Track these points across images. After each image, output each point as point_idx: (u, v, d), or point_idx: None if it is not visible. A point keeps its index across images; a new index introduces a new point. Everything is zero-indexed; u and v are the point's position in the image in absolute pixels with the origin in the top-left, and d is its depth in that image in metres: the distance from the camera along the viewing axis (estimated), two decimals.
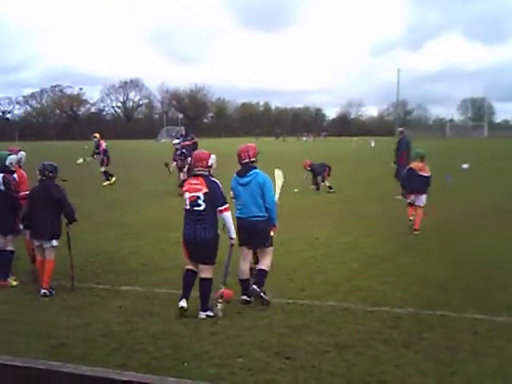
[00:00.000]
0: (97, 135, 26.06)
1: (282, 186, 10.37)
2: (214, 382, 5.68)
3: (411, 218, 14.13)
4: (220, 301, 7.85)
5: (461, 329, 7.23)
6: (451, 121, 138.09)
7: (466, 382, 5.76)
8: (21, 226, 9.57)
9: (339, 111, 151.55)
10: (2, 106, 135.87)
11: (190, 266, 8.12)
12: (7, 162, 9.85)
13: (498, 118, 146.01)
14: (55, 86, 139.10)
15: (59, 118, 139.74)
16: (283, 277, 8.84)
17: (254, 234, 8.47)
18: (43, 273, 9.10)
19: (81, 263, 10.02)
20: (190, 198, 7.92)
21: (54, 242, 9.15)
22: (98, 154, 25.63)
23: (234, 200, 8.66)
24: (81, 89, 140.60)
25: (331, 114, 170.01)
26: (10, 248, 9.68)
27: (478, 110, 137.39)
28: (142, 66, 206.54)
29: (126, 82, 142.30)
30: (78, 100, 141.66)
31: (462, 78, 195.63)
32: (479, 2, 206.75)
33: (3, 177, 9.67)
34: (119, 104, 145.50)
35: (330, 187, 22.08)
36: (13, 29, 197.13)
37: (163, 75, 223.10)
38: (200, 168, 8.09)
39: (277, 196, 9.50)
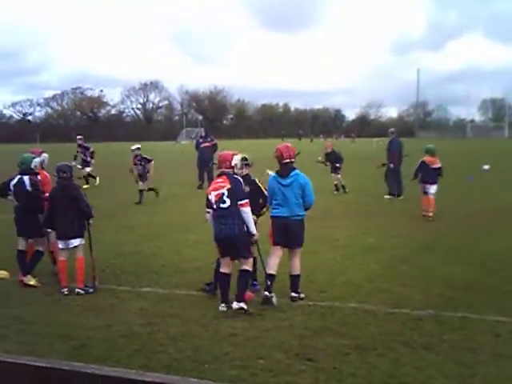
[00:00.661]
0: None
1: None
2: None
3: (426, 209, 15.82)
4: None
5: (482, 331, 7.18)
6: (472, 121, 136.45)
7: None
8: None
9: (358, 112, 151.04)
10: (23, 108, 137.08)
11: (223, 269, 8.26)
12: (32, 165, 9.99)
13: None
14: (76, 88, 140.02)
15: (80, 120, 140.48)
16: (303, 278, 8.82)
17: (291, 234, 8.58)
18: (65, 273, 9.19)
19: (102, 265, 10.07)
20: (215, 196, 8.11)
21: (79, 240, 9.27)
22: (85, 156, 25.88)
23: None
24: (101, 91, 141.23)
25: (350, 114, 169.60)
26: (39, 248, 9.79)
27: (499, 110, 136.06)
28: (161, 67, 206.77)
29: (145, 84, 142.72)
30: (99, 102, 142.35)
31: (482, 79, 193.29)
32: (500, 1, 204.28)
33: (29, 178, 9.78)
34: (139, 106, 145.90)
35: (343, 187, 22.15)
36: (33, 31, 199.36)
37: (182, 77, 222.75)
38: (224, 168, 8.34)
39: None
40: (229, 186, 8.05)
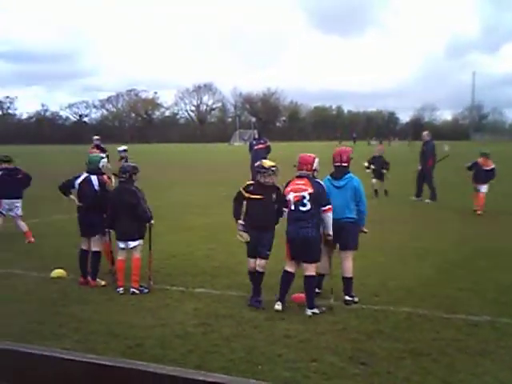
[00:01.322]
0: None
1: None
2: None
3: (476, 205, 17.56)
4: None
5: None
6: None
7: None
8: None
9: (412, 115, 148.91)
10: (79, 110, 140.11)
11: (288, 268, 8.36)
12: (100, 165, 10.19)
13: None
14: (131, 90, 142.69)
15: (134, 122, 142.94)
16: (355, 281, 8.78)
17: (342, 236, 8.60)
18: (122, 273, 9.35)
19: (156, 265, 10.19)
20: (295, 197, 8.18)
21: (139, 241, 9.39)
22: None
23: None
24: (155, 93, 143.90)
25: (404, 117, 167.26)
26: (96, 249, 9.88)
27: None
28: (214, 70, 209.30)
29: (199, 86, 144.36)
30: (153, 104, 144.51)
31: None
32: None
33: (98, 178, 9.94)
34: (193, 108, 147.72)
35: (385, 192, 21.96)
36: (89, 34, 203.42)
37: (235, 79, 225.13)
38: (305, 170, 8.40)
39: None
40: (311, 191, 8.11)
